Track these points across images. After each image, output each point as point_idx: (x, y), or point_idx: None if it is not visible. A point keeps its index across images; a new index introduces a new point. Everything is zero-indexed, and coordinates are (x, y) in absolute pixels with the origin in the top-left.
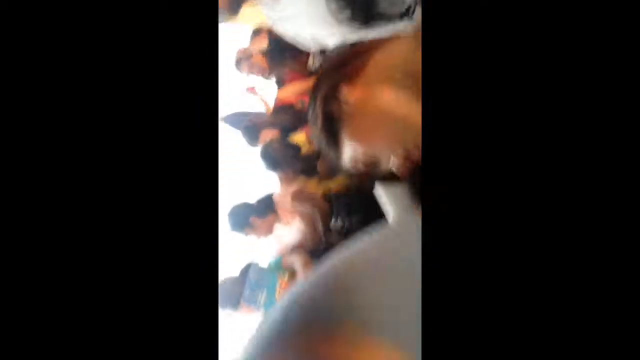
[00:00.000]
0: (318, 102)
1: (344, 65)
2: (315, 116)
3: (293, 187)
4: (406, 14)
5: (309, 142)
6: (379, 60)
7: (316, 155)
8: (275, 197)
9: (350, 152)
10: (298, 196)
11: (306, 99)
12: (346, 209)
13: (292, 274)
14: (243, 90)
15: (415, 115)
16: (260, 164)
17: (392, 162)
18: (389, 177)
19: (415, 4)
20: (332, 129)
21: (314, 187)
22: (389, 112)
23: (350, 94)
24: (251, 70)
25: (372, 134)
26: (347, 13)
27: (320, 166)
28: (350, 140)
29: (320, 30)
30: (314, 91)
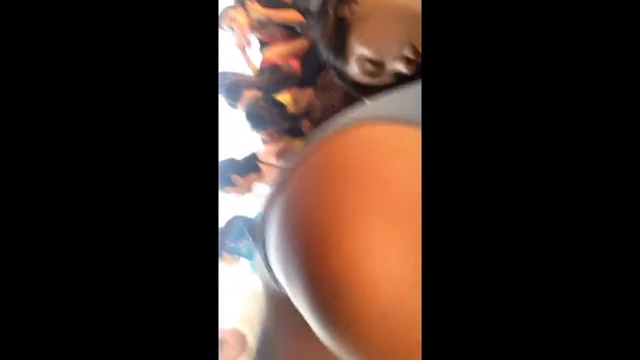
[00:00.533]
0: (329, 11)
1: None
2: (325, 26)
3: (278, 147)
4: None
5: (294, 102)
6: None
7: (302, 115)
8: (260, 155)
9: (358, 55)
10: (283, 154)
11: (292, 62)
12: None
13: None
14: (234, 47)
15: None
16: (245, 124)
17: (398, 61)
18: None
19: None
20: (341, 36)
21: (299, 147)
22: (398, 8)
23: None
24: (230, 26)
25: (382, 32)
26: None
27: (305, 126)
28: (359, 41)
29: None
30: (322, 4)
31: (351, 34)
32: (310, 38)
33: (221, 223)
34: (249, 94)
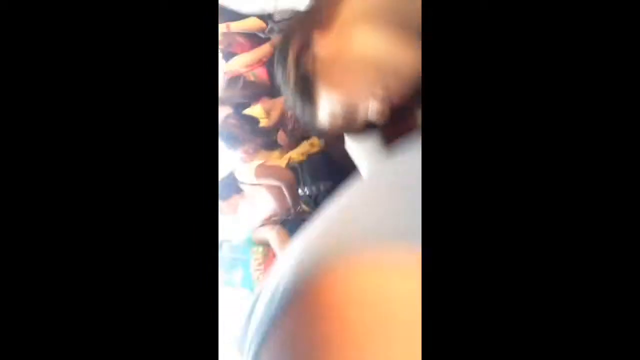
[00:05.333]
0: (289, 65)
1: (314, 16)
2: (287, 79)
3: (255, 163)
4: None
5: (266, 114)
6: (351, 4)
7: (275, 128)
8: (238, 175)
9: (327, 107)
10: (262, 171)
11: (258, 70)
12: (312, 176)
13: (266, 248)
14: None
15: (394, 56)
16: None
17: (370, 109)
18: (364, 130)
19: None
20: (307, 88)
21: (276, 159)
22: (366, 56)
23: (323, 46)
24: None
25: (350, 81)
26: None
27: (280, 138)
28: (327, 93)
29: None
30: (281, 52)
31: (317, 87)
32: (273, 42)
33: None
34: (219, 112)
